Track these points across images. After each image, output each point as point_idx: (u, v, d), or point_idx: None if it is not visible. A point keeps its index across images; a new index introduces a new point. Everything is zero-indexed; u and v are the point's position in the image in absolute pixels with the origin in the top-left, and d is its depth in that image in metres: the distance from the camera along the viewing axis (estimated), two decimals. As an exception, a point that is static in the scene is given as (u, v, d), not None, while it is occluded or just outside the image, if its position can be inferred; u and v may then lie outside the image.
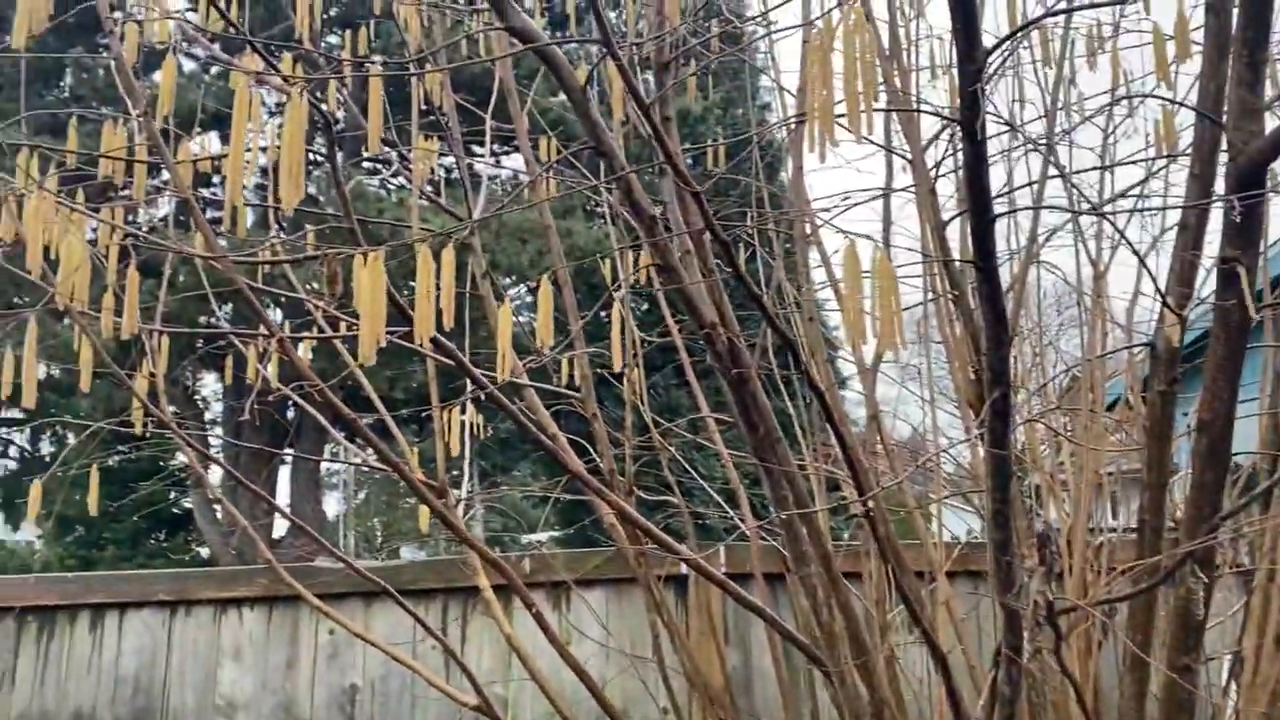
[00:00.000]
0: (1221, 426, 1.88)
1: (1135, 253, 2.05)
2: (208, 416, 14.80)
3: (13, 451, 21.14)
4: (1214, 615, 2.81)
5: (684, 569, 3.41)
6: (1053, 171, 2.43)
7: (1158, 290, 1.95)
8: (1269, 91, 1.98)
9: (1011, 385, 1.78)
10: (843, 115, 1.25)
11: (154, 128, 1.98)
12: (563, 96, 1.94)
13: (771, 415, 2.17)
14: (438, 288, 1.66)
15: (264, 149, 2.23)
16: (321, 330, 2.96)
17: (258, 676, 3.39)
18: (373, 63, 2.77)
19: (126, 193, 2.58)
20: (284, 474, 14.35)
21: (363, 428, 2.12)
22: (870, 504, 2.03)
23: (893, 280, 1.26)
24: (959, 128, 1.56)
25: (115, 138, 2.19)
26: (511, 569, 3.25)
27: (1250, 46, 1.73)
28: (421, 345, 1.76)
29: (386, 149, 3.51)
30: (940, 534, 2.83)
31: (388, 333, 1.57)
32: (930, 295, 2.90)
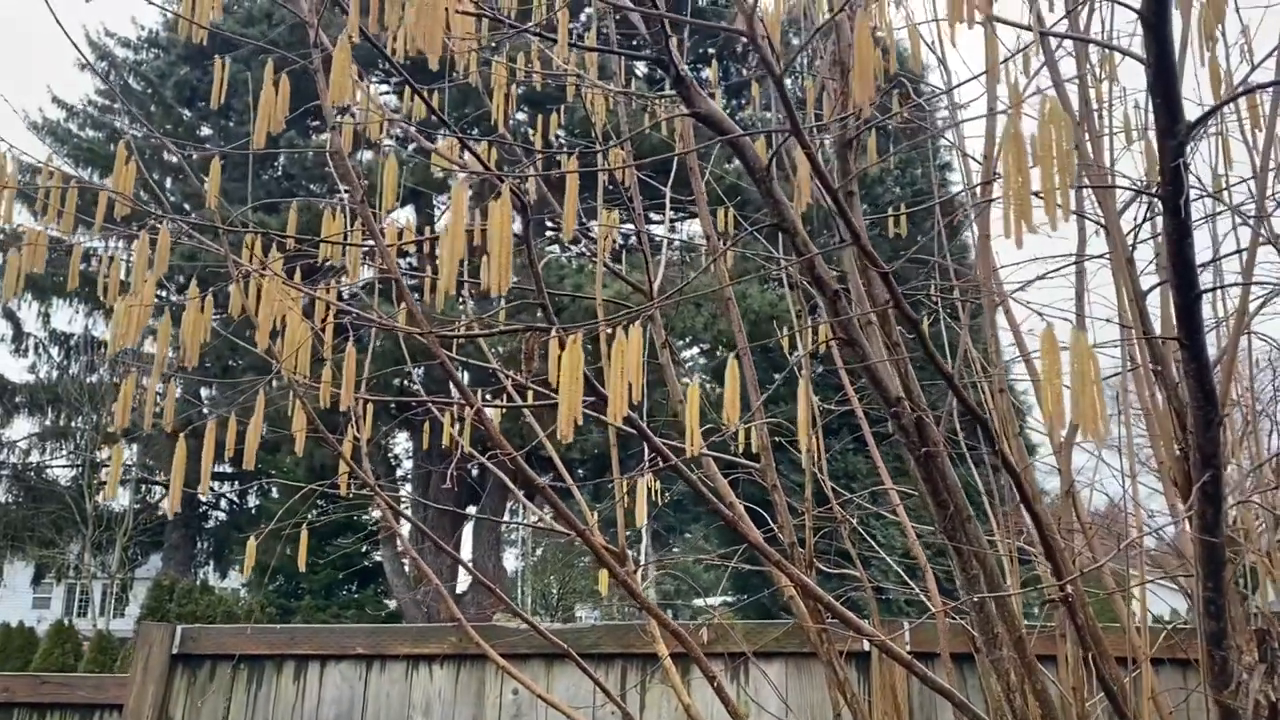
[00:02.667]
0: None
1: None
2: (399, 473, 15.54)
3: (223, 504, 22.79)
4: None
5: (865, 644, 3.33)
6: (1263, 238, 2.30)
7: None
8: None
9: (1222, 466, 1.69)
10: (1039, 204, 1.24)
11: (368, 214, 2.15)
12: (739, 162, 1.99)
13: (961, 492, 2.12)
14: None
15: (469, 231, 2.38)
16: (510, 398, 3.10)
17: (445, 732, 3.51)
18: (562, 144, 2.92)
19: (333, 264, 2.81)
20: (467, 530, 14.87)
21: (550, 493, 2.20)
22: (1068, 588, 1.95)
23: (1091, 363, 1.23)
24: (1159, 200, 1.51)
25: (333, 223, 2.39)
26: (690, 638, 3.27)
27: None
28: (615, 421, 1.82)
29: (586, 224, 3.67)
30: (1145, 618, 2.66)
31: (583, 406, 1.64)
32: (1130, 364, 2.77)
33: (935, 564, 3.34)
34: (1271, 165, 2.42)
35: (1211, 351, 2.76)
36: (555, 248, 12.55)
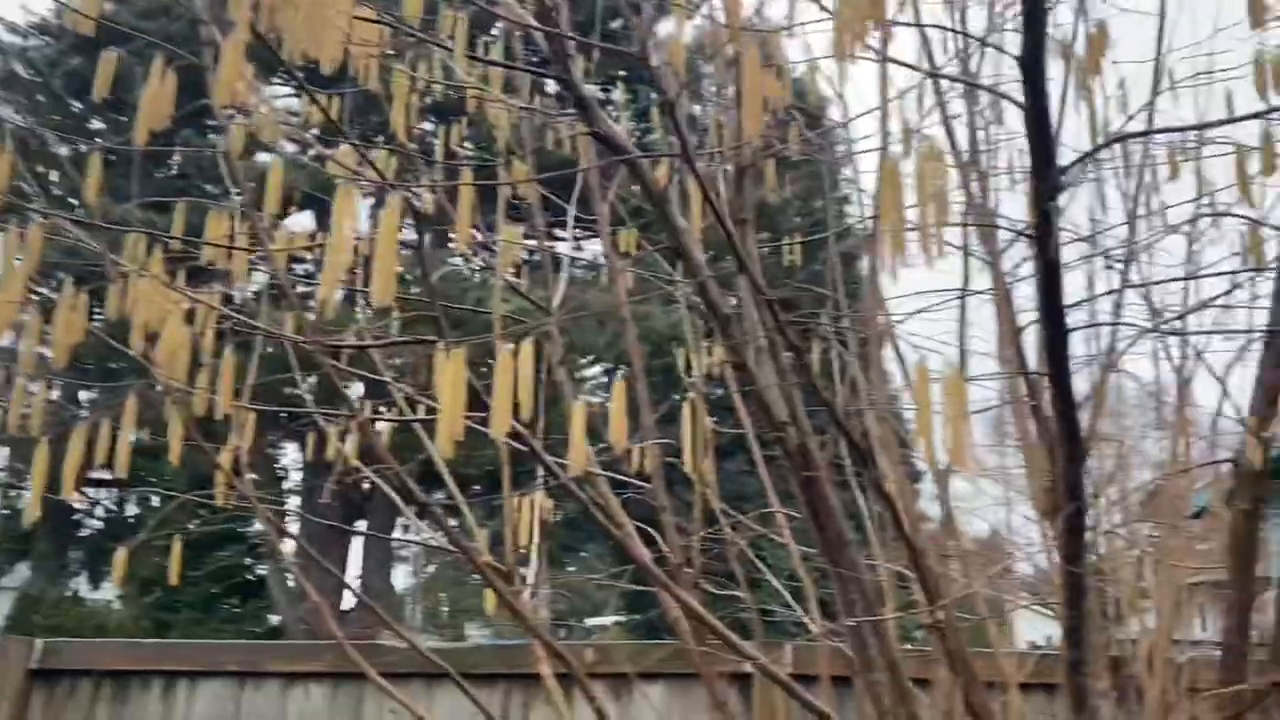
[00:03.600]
0: (1309, 551, 1.82)
1: (1215, 375, 2.01)
2: (286, 485, 15.12)
3: (99, 511, 21.80)
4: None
5: (748, 666, 3.36)
6: (1131, 281, 2.42)
7: (1238, 412, 1.91)
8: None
9: (1086, 499, 1.76)
10: (915, 237, 1.27)
11: (257, 218, 2.09)
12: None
13: (840, 518, 2.16)
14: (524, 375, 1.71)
15: (358, 238, 2.33)
16: (402, 411, 3.04)
17: (320, 752, 3.41)
18: (465, 157, 2.90)
19: (219, 268, 2.72)
20: (356, 545, 14.55)
21: (435, 511, 2.17)
22: (940, 614, 2.00)
23: (963, 402, 1.27)
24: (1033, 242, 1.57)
25: (218, 224, 2.32)
26: (574, 658, 3.24)
27: (1334, 168, 1.72)
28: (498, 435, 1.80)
29: (473, 232, 3.64)
30: (1013, 644, 2.75)
31: (467, 421, 1.62)
32: (1007, 398, 2.87)
33: (820, 589, 3.40)
34: (1141, 212, 2.54)
35: (1087, 388, 2.88)
36: (459, 261, 12.44)
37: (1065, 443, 1.69)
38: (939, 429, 1.51)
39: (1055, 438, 1.77)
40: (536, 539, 3.68)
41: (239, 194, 2.51)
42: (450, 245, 12.92)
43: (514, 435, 2.26)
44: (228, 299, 2.83)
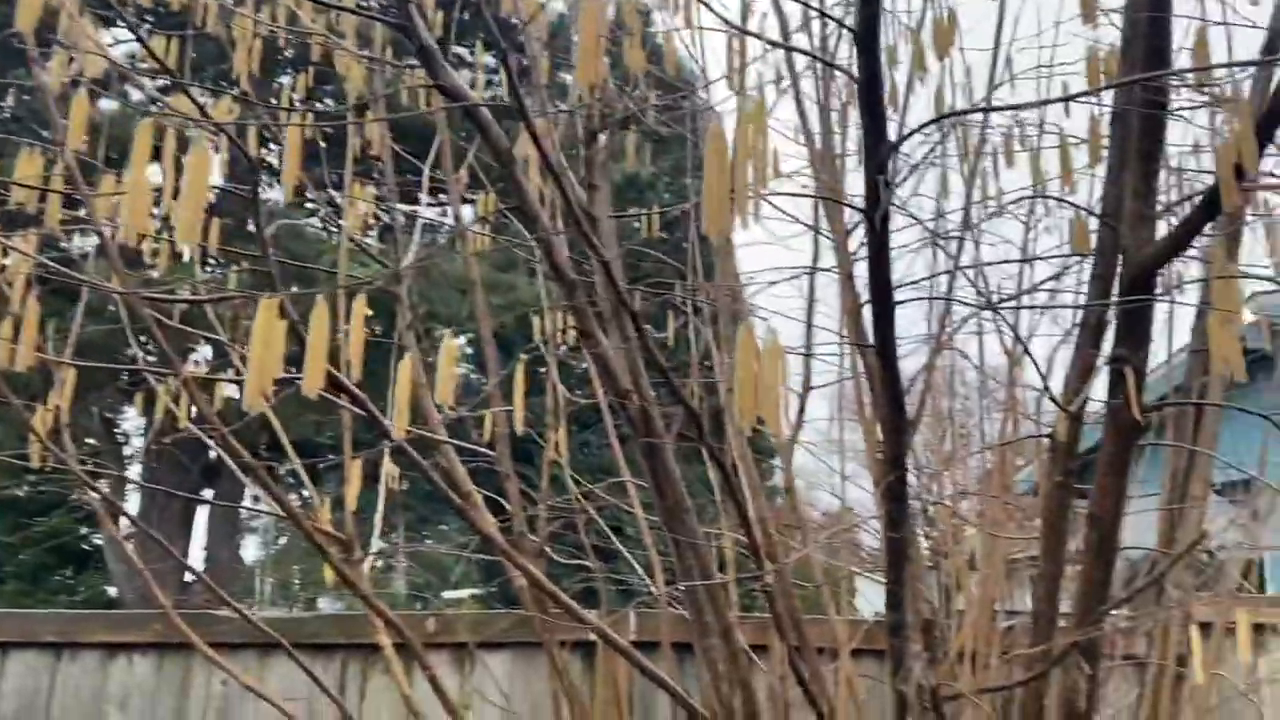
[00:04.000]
0: (1111, 521, 1.93)
1: (1026, 350, 2.11)
2: (127, 451, 14.40)
3: (-83, 476, 20.30)
4: (1111, 706, 2.85)
5: (593, 634, 3.37)
6: (966, 261, 2.51)
7: (1045, 385, 2.01)
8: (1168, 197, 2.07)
9: (908, 469, 1.81)
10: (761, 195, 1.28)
11: (71, 159, 1.96)
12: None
13: (680, 485, 2.18)
14: (356, 332, 1.65)
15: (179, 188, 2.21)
16: (239, 371, 2.91)
17: (143, 727, 3.26)
18: (309, 108, 2.78)
19: (41, 214, 2.54)
20: (203, 515, 13.98)
21: (260, 472, 2.08)
22: (770, 578, 2.04)
23: (780, 363, 1.29)
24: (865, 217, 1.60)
25: (30, 163, 2.16)
26: (414, 628, 3.19)
27: (1144, 157, 1.81)
28: (336, 395, 1.73)
29: (331, 193, 3.51)
30: (843, 610, 2.84)
31: (288, 380, 1.55)
32: (847, 375, 2.95)
33: (666, 558, 3.43)
34: (977, 197, 2.64)
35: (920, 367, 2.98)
36: (315, 221, 12.04)
37: (890, 414, 1.73)
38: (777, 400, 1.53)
39: (882, 409, 1.82)
40: (380, 506, 3.60)
41: (57, 139, 2.34)
42: (309, 206, 12.49)
43: (351, 396, 2.19)
44: (51, 248, 2.65)
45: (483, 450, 2.98)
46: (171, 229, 1.97)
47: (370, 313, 2.04)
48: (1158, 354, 3.12)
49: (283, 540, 19.42)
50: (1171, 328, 3.09)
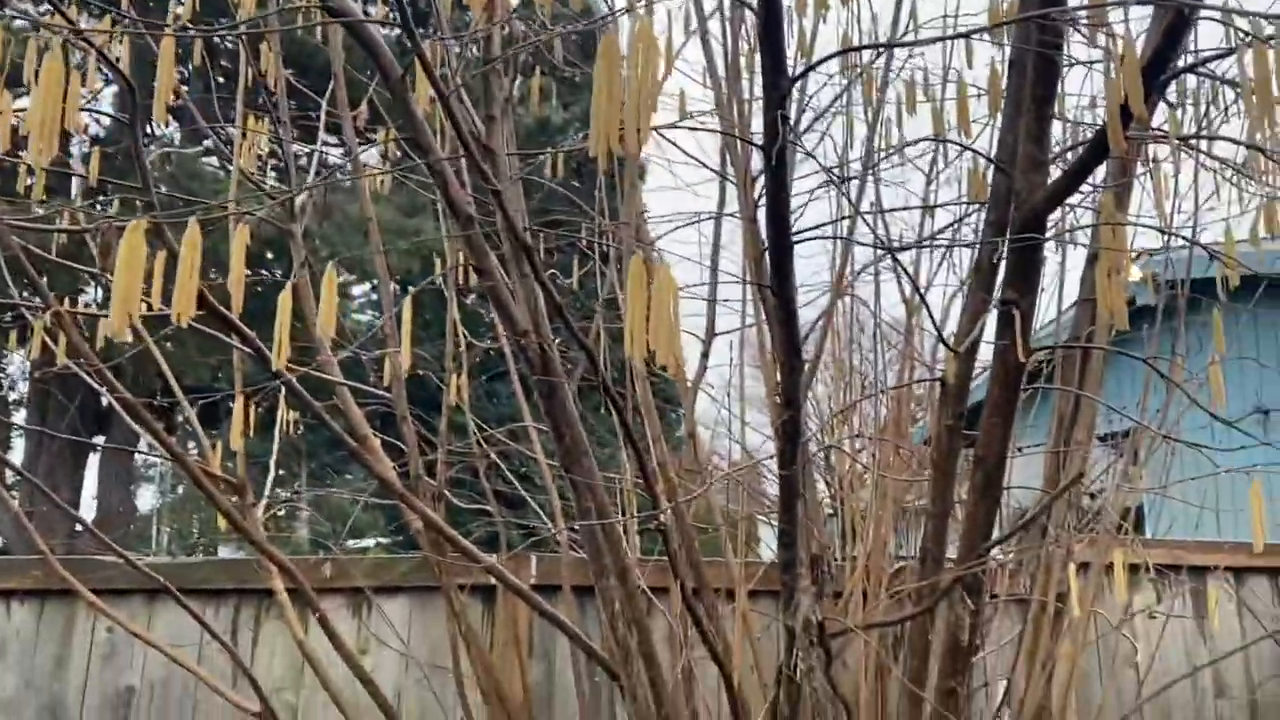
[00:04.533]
0: (996, 462, 1.98)
1: (917, 289, 2.14)
2: (13, 396, 13.79)
3: None
4: (994, 643, 2.96)
5: (494, 579, 3.35)
6: (865, 208, 2.52)
7: (938, 330, 2.03)
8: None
9: (801, 408, 1.83)
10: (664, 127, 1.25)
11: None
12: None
13: (578, 426, 2.16)
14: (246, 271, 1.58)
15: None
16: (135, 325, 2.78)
17: (22, 675, 3.14)
18: (194, 28, 2.64)
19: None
20: (94, 462, 13.51)
21: (141, 411, 2.00)
22: (666, 518, 2.04)
23: (672, 294, 1.27)
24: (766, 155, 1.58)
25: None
26: (309, 573, 3.13)
27: (1038, 103, 1.83)
28: (226, 334, 1.66)
29: (225, 128, 3.35)
30: (741, 552, 2.88)
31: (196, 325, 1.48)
32: (749, 322, 2.97)
33: (567, 501, 3.42)
34: (881, 144, 2.65)
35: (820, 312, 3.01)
36: (213, 160, 11.59)
37: (786, 354, 1.74)
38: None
39: (779, 349, 1.82)
40: (275, 451, 3.51)
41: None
42: (205, 144, 12.01)
43: (235, 329, 2.11)
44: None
45: (379, 392, 2.91)
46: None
47: (270, 256, 1.96)
48: (1049, 311, 3.21)
49: (180, 489, 18.90)
50: (1063, 285, 3.18)
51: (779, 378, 1.84)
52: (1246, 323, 3.21)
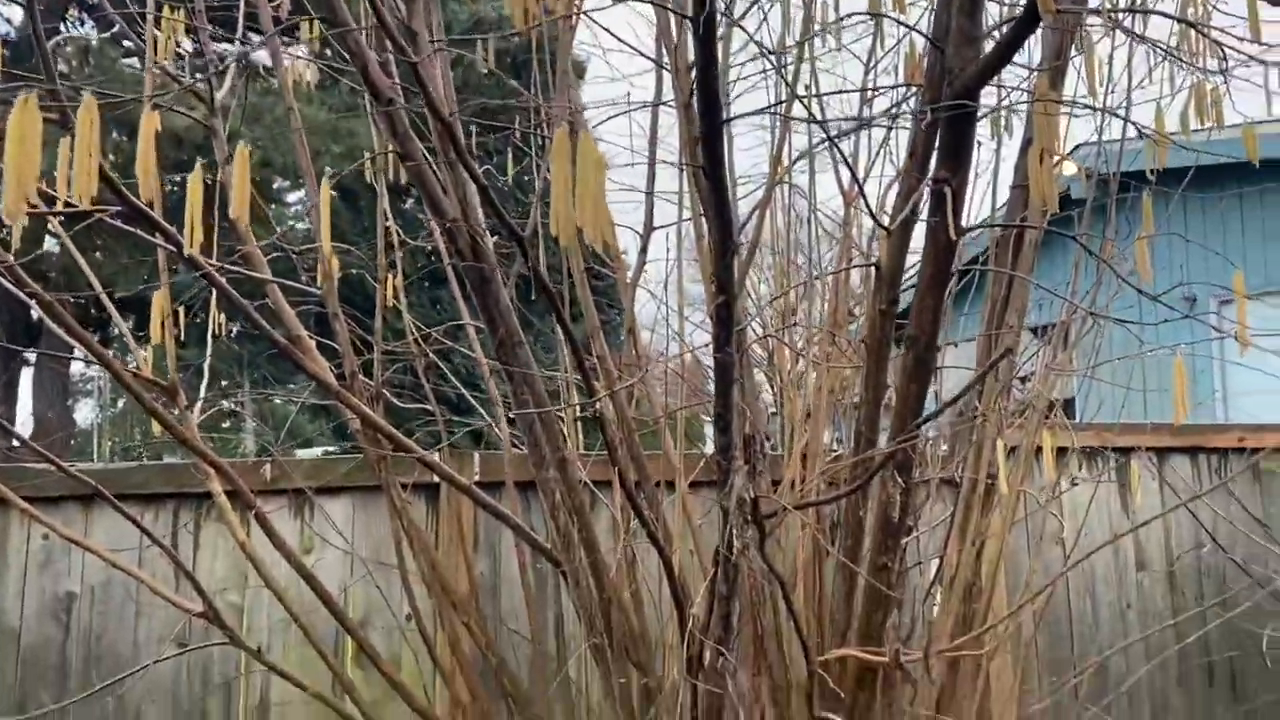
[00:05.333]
0: (927, 341, 2.00)
1: (854, 173, 2.12)
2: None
3: None
4: (927, 525, 3.04)
5: (436, 477, 3.36)
6: (802, 91, 2.49)
7: (870, 213, 2.03)
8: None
9: (735, 293, 1.82)
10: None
11: None
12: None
13: (513, 316, 2.14)
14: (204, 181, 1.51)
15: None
16: (35, 206, 2.67)
17: (-42, 585, 3.11)
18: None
19: None
20: (28, 377, 13.22)
21: (60, 311, 1.93)
22: (600, 406, 2.05)
23: (600, 172, 1.24)
24: (692, 28, 1.54)
25: None
26: (248, 476, 3.11)
27: (971, -25, 1.80)
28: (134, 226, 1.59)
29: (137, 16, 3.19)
30: (681, 443, 2.90)
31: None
32: (686, 215, 2.94)
33: (508, 399, 3.41)
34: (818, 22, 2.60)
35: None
36: (135, 61, 11.10)
37: (718, 237, 1.72)
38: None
39: (712, 232, 1.81)
40: (209, 353, 3.44)
41: None
42: (125, 44, 11.49)
43: (146, 219, 2.04)
44: None
45: (312, 290, 2.85)
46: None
47: (202, 160, 1.89)
48: (984, 203, 3.22)
49: (121, 402, 18.59)
50: (997, 177, 3.19)
51: (712, 260, 1.83)
52: (1176, 207, 3.26)
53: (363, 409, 2.35)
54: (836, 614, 2.50)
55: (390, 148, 2.19)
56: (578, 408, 2.86)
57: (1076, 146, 4.07)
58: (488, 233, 2.28)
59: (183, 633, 3.15)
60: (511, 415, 2.20)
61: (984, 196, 3.79)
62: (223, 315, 3.31)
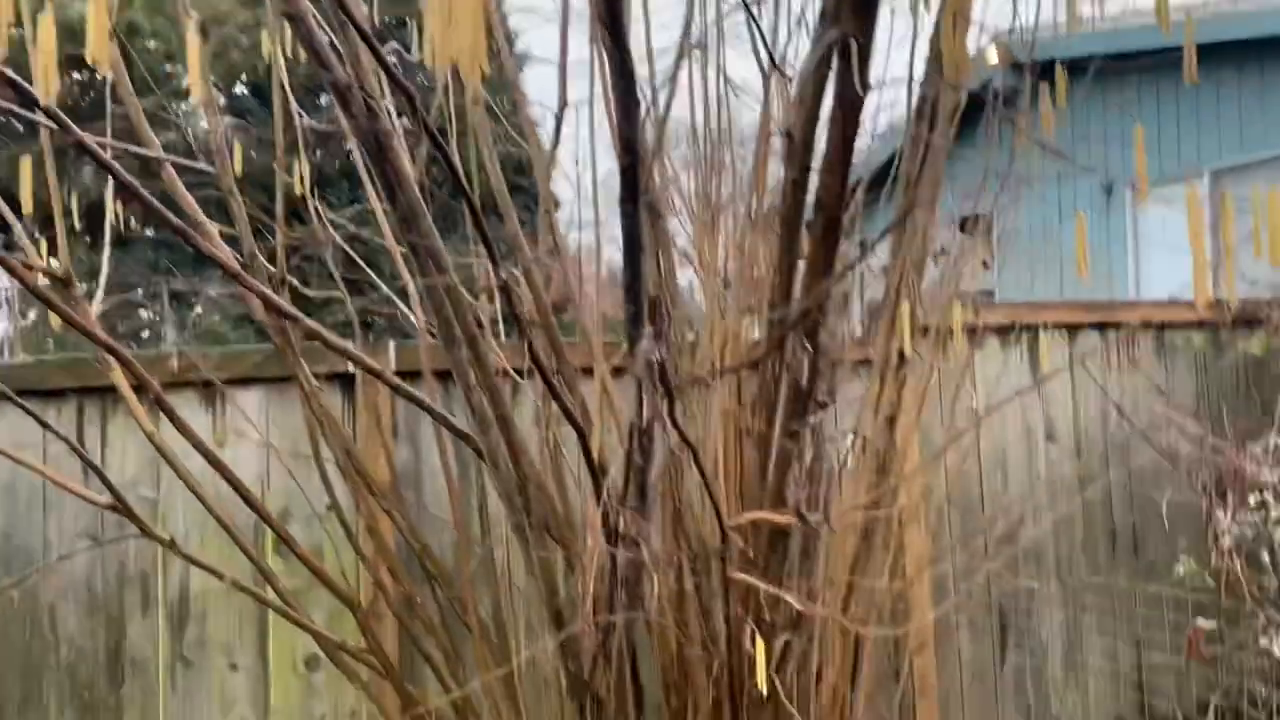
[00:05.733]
0: (835, 204, 1.98)
1: (764, 39, 2.07)
2: None
3: None
4: (846, 399, 3.08)
5: (351, 366, 3.31)
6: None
7: (780, 71, 1.99)
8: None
9: (644, 155, 1.77)
10: None
11: None
12: None
13: (413, 188, 2.07)
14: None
15: None
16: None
17: None
18: None
19: None
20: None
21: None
22: (506, 278, 2.01)
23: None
24: None
25: None
26: (155, 369, 3.02)
27: None
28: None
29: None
30: (600, 329, 2.88)
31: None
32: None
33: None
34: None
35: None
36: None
37: (621, 94, 1.66)
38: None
39: (615, 90, 1.75)
40: (108, 243, 3.29)
41: None
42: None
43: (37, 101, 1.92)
44: None
45: (208, 170, 2.73)
46: None
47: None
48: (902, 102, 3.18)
49: (33, 313, 17.98)
50: (913, 59, 3.14)
51: (615, 118, 1.78)
52: (1095, 99, 3.26)
53: (263, 290, 2.28)
54: (754, 487, 2.53)
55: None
56: (493, 290, 2.81)
57: (997, 36, 4.04)
58: (387, 97, 2.19)
59: (95, 529, 3.09)
60: (422, 283, 2.14)
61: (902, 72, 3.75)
62: (124, 209, 3.17)
